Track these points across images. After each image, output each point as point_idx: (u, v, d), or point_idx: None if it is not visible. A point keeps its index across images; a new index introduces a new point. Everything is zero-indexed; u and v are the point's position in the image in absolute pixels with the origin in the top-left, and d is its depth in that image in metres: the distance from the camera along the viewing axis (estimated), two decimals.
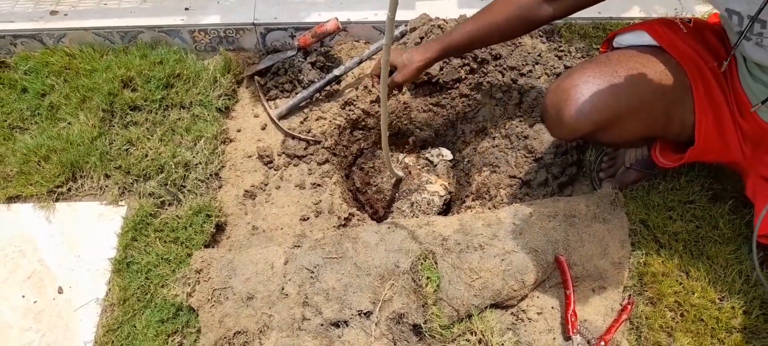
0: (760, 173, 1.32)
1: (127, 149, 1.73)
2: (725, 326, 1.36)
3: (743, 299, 1.40)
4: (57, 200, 1.68)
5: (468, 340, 1.31)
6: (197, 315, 1.39)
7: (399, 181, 1.78)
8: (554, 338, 1.34)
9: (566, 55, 1.82)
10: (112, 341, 1.41)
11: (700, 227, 1.52)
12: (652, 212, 1.54)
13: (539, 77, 1.77)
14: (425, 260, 1.36)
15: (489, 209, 1.63)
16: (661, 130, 1.36)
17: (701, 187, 1.59)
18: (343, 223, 1.62)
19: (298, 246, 1.44)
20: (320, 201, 1.66)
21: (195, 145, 1.74)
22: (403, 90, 1.79)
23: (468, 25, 1.42)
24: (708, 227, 1.51)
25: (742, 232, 1.50)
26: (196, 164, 1.70)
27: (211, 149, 1.74)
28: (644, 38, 1.34)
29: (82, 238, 1.61)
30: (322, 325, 1.33)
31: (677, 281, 1.43)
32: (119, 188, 1.67)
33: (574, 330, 1.31)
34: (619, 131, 1.30)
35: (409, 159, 1.85)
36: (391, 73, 1.47)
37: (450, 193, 1.78)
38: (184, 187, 1.67)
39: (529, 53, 1.79)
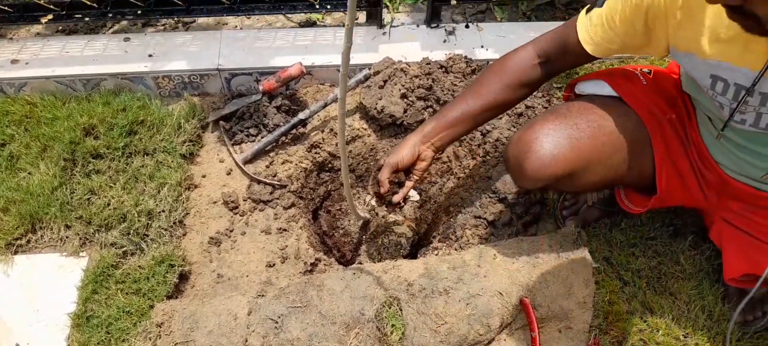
0: (724, 217, 1.34)
1: (88, 199, 1.70)
2: None
3: (707, 335, 1.41)
4: (15, 252, 1.64)
5: None
6: None
7: (366, 223, 1.77)
8: None
9: None
10: None
11: (662, 263, 1.54)
12: (615, 249, 1.57)
13: (500, 117, 1.79)
14: (390, 308, 1.35)
15: (455, 249, 1.63)
16: (620, 180, 1.38)
17: (662, 223, 1.62)
18: (309, 268, 1.61)
19: (262, 296, 1.42)
20: (286, 246, 1.65)
21: (158, 192, 1.72)
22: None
23: (463, 100, 1.35)
24: (670, 263, 1.54)
25: (703, 267, 1.53)
26: (160, 212, 1.67)
27: (175, 196, 1.72)
28: (605, 89, 1.37)
29: (40, 291, 1.56)
30: None
31: (641, 318, 1.44)
32: (80, 239, 1.63)
33: None
34: (579, 181, 1.32)
35: (376, 201, 1.84)
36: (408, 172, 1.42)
37: (417, 234, 1.78)
38: (147, 236, 1.64)
39: None
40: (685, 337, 1.41)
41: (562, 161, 1.24)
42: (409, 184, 1.44)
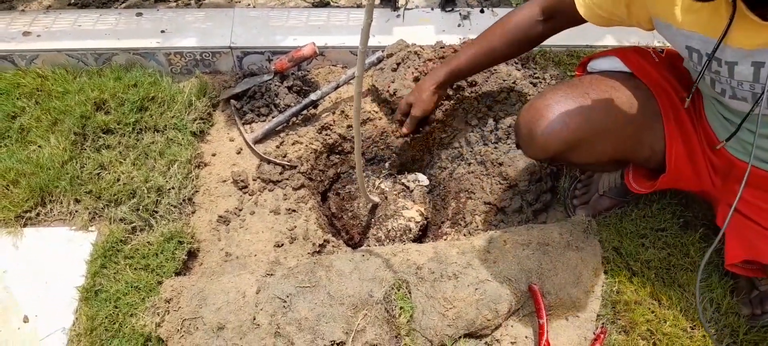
0: (728, 202, 1.34)
1: (98, 173, 1.70)
2: None
3: (714, 327, 1.41)
4: (25, 225, 1.64)
5: None
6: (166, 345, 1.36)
7: (375, 206, 1.77)
8: None
9: (541, 81, 1.84)
10: None
11: (672, 255, 1.53)
12: (625, 239, 1.56)
13: (514, 104, 1.78)
14: (399, 290, 1.35)
15: (464, 235, 1.63)
16: (631, 154, 1.39)
17: (673, 215, 1.61)
18: (317, 249, 1.61)
19: (271, 274, 1.42)
20: (295, 227, 1.65)
21: (168, 169, 1.72)
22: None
23: (471, 49, 1.52)
24: (679, 255, 1.53)
25: (712, 260, 1.52)
26: (169, 189, 1.68)
27: (185, 174, 1.72)
28: (617, 64, 1.38)
29: (50, 265, 1.57)
30: None
31: (649, 309, 1.44)
32: (89, 213, 1.64)
33: None
34: (589, 152, 1.33)
35: (386, 184, 1.84)
36: (407, 114, 1.63)
37: (426, 219, 1.78)
38: (157, 212, 1.64)
39: (504, 80, 1.80)
40: (692, 329, 1.41)
41: (573, 128, 1.25)
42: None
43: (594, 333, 1.40)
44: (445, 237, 1.65)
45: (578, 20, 1.33)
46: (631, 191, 1.52)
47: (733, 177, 1.32)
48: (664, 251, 1.54)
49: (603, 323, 1.42)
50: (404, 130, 1.63)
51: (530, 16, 1.41)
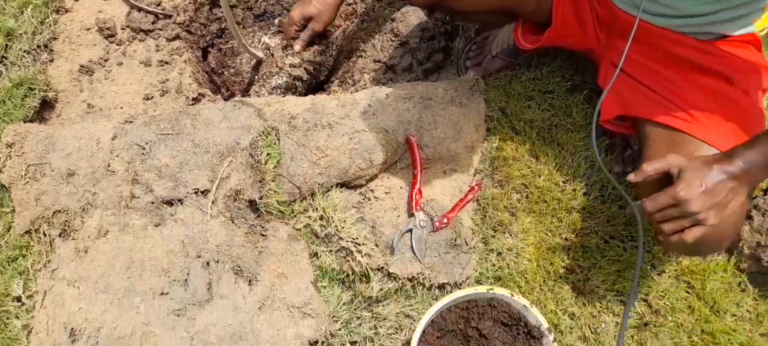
0: (610, 59, 1.33)
1: None
2: (565, 207, 1.40)
3: (585, 182, 1.43)
4: None
5: (309, 216, 1.26)
6: (9, 193, 1.25)
7: (259, 63, 1.65)
8: (398, 216, 1.32)
9: None
10: None
11: (555, 116, 1.53)
12: (512, 100, 1.53)
13: None
14: (267, 137, 1.28)
15: (351, 93, 1.56)
16: (517, 4, 1.33)
17: (562, 78, 1.59)
18: (191, 103, 1.49)
19: (130, 122, 1.31)
20: (167, 80, 1.52)
21: (22, 13, 1.52)
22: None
23: None
24: (562, 116, 1.53)
25: (590, 120, 1.53)
26: (21, 33, 1.49)
27: (41, 18, 1.53)
28: None
29: None
30: (152, 203, 1.23)
31: (526, 165, 1.44)
32: None
33: (418, 207, 1.30)
34: None
35: (274, 41, 1.72)
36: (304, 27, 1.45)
37: (316, 79, 1.68)
38: (6, 58, 1.47)
39: None
40: (564, 183, 1.43)
41: None
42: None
43: (469, 186, 1.40)
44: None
45: None
46: (522, 51, 1.48)
47: (616, 30, 1.30)
48: (549, 112, 1.53)
49: (480, 177, 1.42)
50: (297, 46, 1.44)
51: None
